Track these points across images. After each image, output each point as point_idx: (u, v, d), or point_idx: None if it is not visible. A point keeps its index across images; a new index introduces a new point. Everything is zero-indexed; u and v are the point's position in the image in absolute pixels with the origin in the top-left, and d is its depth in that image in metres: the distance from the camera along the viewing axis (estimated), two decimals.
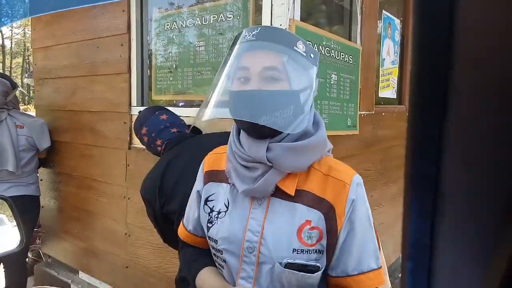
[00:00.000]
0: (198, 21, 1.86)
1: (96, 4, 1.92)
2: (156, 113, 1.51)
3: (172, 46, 1.99)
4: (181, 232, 0.99)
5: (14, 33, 26.20)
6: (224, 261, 0.82)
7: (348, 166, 0.83)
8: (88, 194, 2.36)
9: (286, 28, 1.45)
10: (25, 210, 2.22)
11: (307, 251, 0.75)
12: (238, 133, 0.81)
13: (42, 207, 2.57)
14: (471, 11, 0.22)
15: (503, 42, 0.21)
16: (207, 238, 0.86)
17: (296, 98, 0.73)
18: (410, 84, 0.24)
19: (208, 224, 0.85)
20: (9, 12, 2.11)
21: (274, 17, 1.49)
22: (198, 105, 2.05)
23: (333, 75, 1.74)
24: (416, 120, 0.24)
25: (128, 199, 2.11)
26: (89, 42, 2.27)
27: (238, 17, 1.72)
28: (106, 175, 2.24)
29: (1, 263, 2.35)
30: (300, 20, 1.54)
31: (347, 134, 1.92)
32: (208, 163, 0.93)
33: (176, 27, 1.95)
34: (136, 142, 2.01)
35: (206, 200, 0.88)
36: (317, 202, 0.76)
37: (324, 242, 0.76)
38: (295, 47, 0.73)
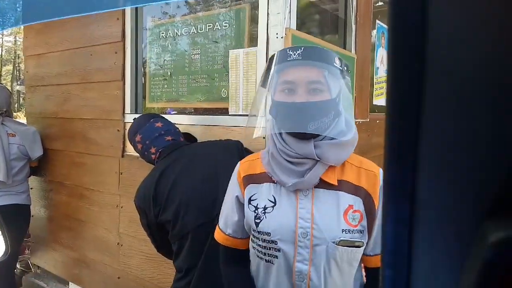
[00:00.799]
0: (193, 30, 1.86)
1: (90, 13, 1.91)
2: (151, 120, 1.49)
3: (166, 54, 1.99)
4: (219, 236, 1.05)
5: (5, 40, 26.13)
6: (279, 250, 0.91)
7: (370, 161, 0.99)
8: (79, 203, 2.32)
9: (282, 38, 1.46)
10: (15, 219, 2.18)
11: (352, 231, 0.88)
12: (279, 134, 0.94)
13: (32, 216, 2.52)
14: (442, 22, 0.22)
15: (475, 52, 0.22)
16: (257, 233, 0.94)
17: (336, 104, 0.87)
18: (385, 94, 0.25)
19: (256, 220, 0.94)
20: (0, 20, 2.10)
21: (270, 26, 1.49)
22: (192, 113, 2.04)
23: None
24: (392, 128, 0.25)
25: (121, 207, 2.08)
26: (83, 50, 2.25)
27: (233, 26, 1.73)
28: (99, 184, 2.20)
29: None
30: (296, 29, 1.55)
31: None
32: (243, 169, 1.01)
33: (171, 35, 1.95)
34: (130, 150, 1.99)
35: (250, 200, 0.97)
36: (355, 190, 0.90)
37: (364, 223, 0.90)
38: (334, 63, 0.87)
